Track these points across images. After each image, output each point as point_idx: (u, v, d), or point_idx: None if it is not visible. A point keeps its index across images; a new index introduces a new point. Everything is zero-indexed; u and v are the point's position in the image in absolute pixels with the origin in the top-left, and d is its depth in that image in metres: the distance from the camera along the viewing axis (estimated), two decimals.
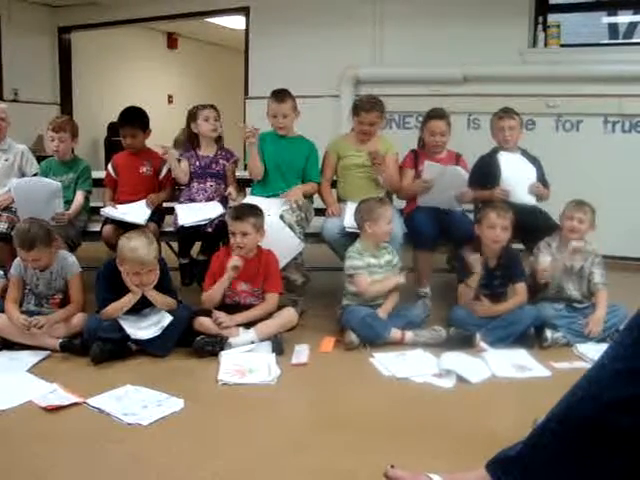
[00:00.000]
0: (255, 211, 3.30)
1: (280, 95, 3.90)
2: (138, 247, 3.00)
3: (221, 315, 3.13)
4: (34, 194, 3.76)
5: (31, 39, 7.43)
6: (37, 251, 3.08)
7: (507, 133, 3.98)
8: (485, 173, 3.94)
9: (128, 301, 3.07)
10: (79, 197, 4.03)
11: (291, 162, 3.91)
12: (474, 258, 3.36)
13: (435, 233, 3.76)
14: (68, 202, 3.98)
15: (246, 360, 2.91)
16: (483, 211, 3.45)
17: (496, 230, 3.33)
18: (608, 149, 5.20)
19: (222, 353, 2.98)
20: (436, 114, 4.03)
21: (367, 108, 3.95)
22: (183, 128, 4.70)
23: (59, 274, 3.24)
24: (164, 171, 4.17)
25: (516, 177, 3.89)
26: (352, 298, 3.41)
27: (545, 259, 3.37)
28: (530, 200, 3.87)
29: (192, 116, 4.06)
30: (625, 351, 1.22)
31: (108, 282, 3.15)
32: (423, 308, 3.48)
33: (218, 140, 4.12)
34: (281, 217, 3.58)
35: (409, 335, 3.23)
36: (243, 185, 4.27)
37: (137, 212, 3.87)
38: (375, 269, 3.41)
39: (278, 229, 3.52)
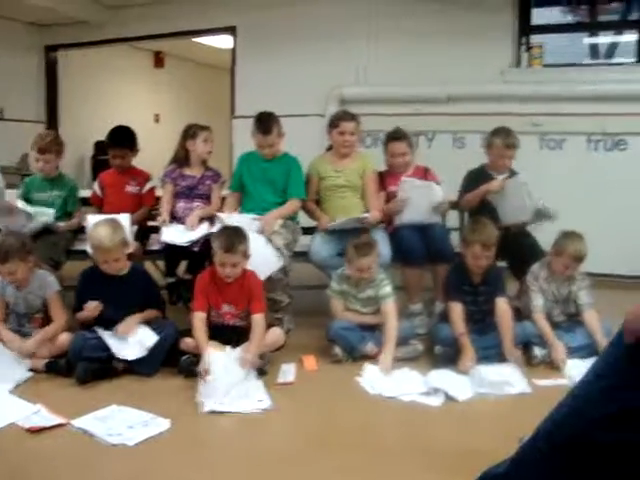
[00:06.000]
0: (242, 237, 3.19)
1: (265, 126, 3.85)
2: (103, 236, 3.11)
3: (246, 359, 2.95)
4: None
5: (17, 58, 7.43)
6: (11, 264, 3.06)
7: (500, 162, 4.00)
8: (477, 182, 3.95)
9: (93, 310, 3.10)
10: (75, 220, 4.06)
11: (275, 180, 3.92)
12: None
13: (423, 249, 3.76)
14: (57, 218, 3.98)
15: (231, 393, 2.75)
16: (470, 236, 3.35)
17: (482, 260, 3.33)
18: (591, 167, 5.26)
19: (203, 383, 2.79)
20: (395, 136, 4.04)
21: (347, 118, 3.99)
22: None
23: (37, 294, 3.20)
24: (147, 187, 4.18)
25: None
26: None
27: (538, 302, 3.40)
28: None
29: (190, 135, 4.06)
30: (609, 368, 1.24)
31: (86, 286, 3.19)
32: (409, 326, 3.48)
33: (204, 161, 4.13)
34: (269, 240, 3.58)
35: None
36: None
37: None
38: (351, 299, 3.43)
39: (258, 245, 3.47)
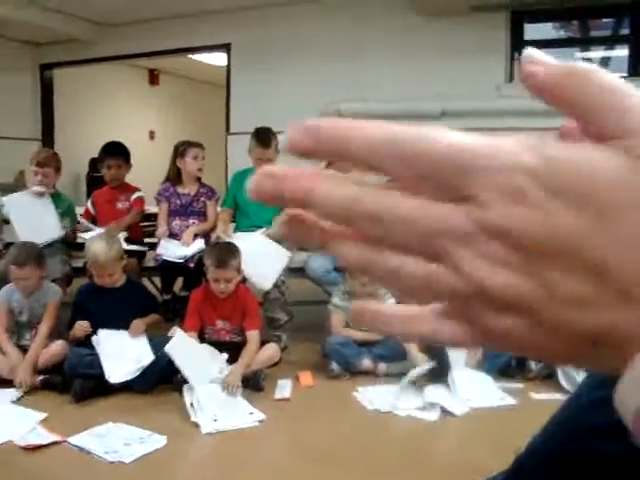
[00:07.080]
0: (234, 252, 3.21)
1: (265, 139, 3.85)
2: (98, 253, 3.14)
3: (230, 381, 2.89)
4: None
5: (13, 76, 7.45)
6: (28, 269, 3.13)
7: None
8: None
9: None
10: (72, 234, 4.08)
11: None
12: None
13: None
14: None
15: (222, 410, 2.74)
16: None
17: None
18: None
19: (192, 404, 2.76)
20: None
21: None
22: None
23: (41, 302, 3.24)
24: (134, 196, 4.19)
25: None
26: None
27: None
28: None
29: (180, 152, 4.07)
30: (602, 379, 1.24)
31: (83, 302, 3.22)
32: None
33: (198, 177, 4.13)
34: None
35: (381, 366, 3.25)
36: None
37: None
38: None
39: (263, 246, 3.50)
